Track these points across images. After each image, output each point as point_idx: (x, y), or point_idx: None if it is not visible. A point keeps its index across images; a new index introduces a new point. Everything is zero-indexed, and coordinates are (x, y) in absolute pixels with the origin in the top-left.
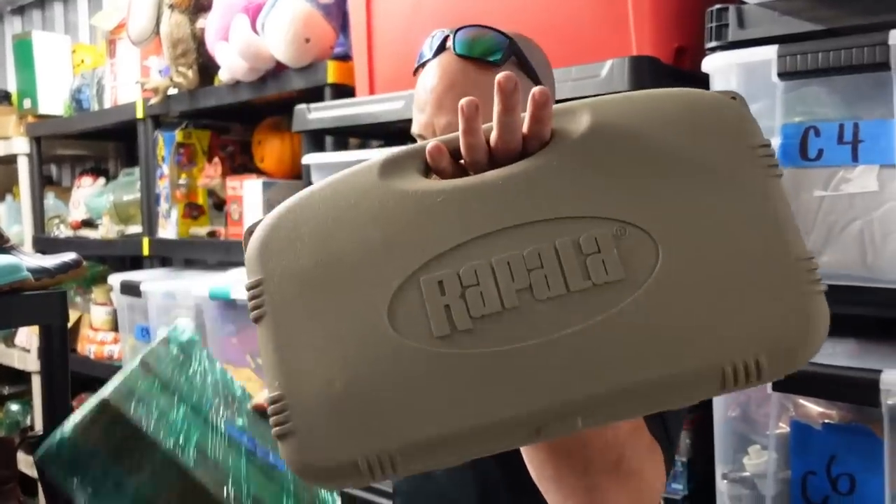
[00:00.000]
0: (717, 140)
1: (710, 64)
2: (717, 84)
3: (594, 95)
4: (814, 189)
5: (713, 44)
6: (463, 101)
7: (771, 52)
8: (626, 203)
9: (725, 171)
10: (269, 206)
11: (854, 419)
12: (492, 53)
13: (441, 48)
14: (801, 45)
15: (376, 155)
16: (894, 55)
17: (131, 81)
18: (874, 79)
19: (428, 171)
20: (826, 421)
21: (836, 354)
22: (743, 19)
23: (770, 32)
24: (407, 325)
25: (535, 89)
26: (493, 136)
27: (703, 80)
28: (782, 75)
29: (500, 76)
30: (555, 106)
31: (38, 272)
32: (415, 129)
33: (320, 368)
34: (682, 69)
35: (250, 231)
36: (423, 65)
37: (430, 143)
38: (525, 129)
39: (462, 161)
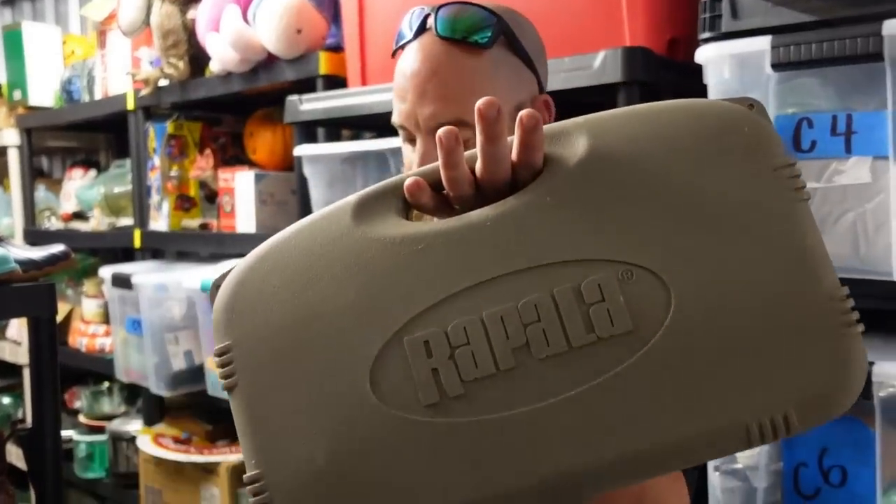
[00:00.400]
0: (734, 162)
1: (703, 55)
2: (710, 75)
3: (587, 87)
4: (807, 181)
5: (706, 35)
6: (441, 132)
7: (764, 42)
8: (631, 242)
9: (745, 199)
10: (261, 197)
11: (846, 411)
12: (477, 33)
13: (422, 28)
14: (794, 35)
15: (351, 196)
16: (888, 46)
17: (122, 72)
18: (867, 70)
19: (407, 207)
20: None
21: None
22: (736, 10)
23: (764, 23)
24: (392, 393)
25: (523, 112)
26: (478, 168)
27: (696, 72)
28: (776, 66)
29: (480, 102)
30: (547, 126)
31: (27, 264)
32: (395, 120)
33: (300, 443)
34: (676, 60)
35: (217, 285)
36: (402, 46)
37: (409, 180)
38: (514, 157)
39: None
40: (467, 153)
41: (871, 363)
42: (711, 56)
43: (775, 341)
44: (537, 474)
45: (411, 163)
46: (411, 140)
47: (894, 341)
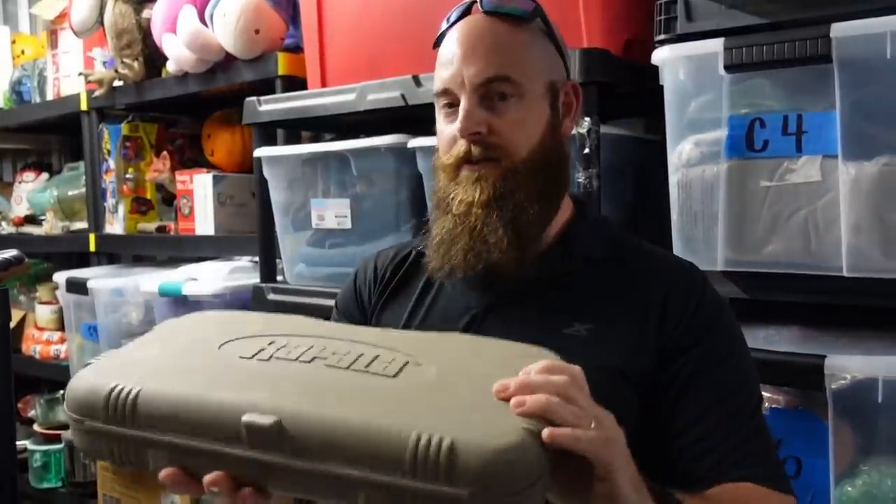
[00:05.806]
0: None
1: (659, 56)
2: (666, 76)
3: None
4: (760, 179)
5: (662, 36)
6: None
7: (717, 44)
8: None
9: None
10: (220, 199)
11: (799, 404)
12: (517, 9)
13: (465, 13)
14: (746, 38)
15: None
16: (836, 48)
17: (74, 73)
18: (817, 71)
19: None
20: (772, 406)
21: (781, 341)
22: (691, 12)
23: (717, 25)
24: (234, 349)
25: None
26: None
27: (653, 72)
28: (728, 68)
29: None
30: None
31: None
32: (438, 87)
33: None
34: (633, 61)
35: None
36: (444, 33)
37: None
38: None
39: None
40: None
41: (823, 356)
42: (667, 57)
43: (468, 403)
44: (281, 406)
45: (447, 136)
46: (451, 107)
47: (845, 335)
